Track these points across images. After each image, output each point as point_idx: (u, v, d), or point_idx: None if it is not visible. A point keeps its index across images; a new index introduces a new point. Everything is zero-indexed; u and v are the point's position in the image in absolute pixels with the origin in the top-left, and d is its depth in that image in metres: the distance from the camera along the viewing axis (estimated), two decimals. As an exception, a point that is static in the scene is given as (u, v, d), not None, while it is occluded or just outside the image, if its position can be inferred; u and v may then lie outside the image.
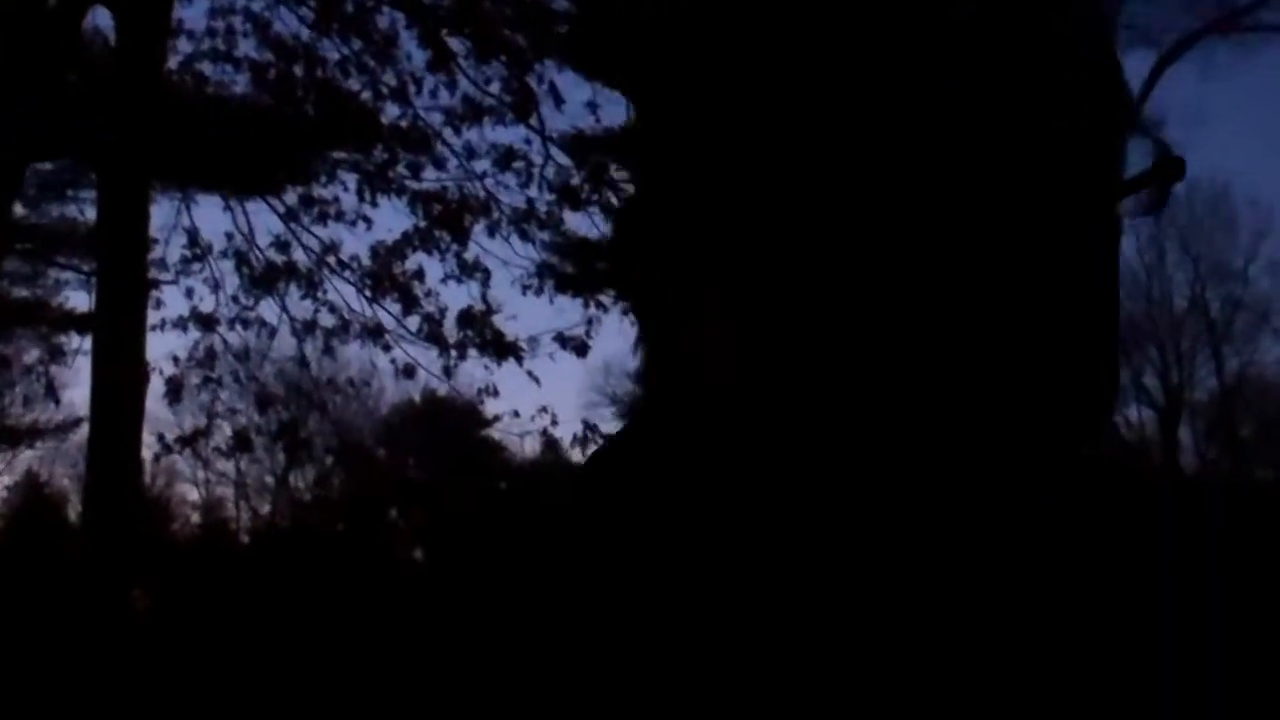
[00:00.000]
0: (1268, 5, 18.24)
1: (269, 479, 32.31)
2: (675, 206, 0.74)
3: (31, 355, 16.38)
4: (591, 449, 11.72)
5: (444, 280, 12.27)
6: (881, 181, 0.67)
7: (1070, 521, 0.73)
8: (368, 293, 12.31)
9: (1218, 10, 17.90)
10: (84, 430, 11.15)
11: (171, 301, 13.15)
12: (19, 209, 14.00)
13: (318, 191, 12.12)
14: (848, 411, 0.67)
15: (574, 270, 12.52)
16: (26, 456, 28.33)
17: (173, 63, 11.19)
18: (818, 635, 0.69)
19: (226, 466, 29.58)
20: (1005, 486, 0.69)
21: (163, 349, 30.43)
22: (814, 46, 0.68)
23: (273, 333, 12.46)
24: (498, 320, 12.31)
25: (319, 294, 12.29)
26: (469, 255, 12.14)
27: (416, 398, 28.82)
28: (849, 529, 0.69)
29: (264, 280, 12.14)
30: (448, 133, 11.72)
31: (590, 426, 12.43)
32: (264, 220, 12.92)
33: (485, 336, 12.20)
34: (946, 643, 0.68)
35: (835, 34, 0.68)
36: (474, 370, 12.60)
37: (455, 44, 11.35)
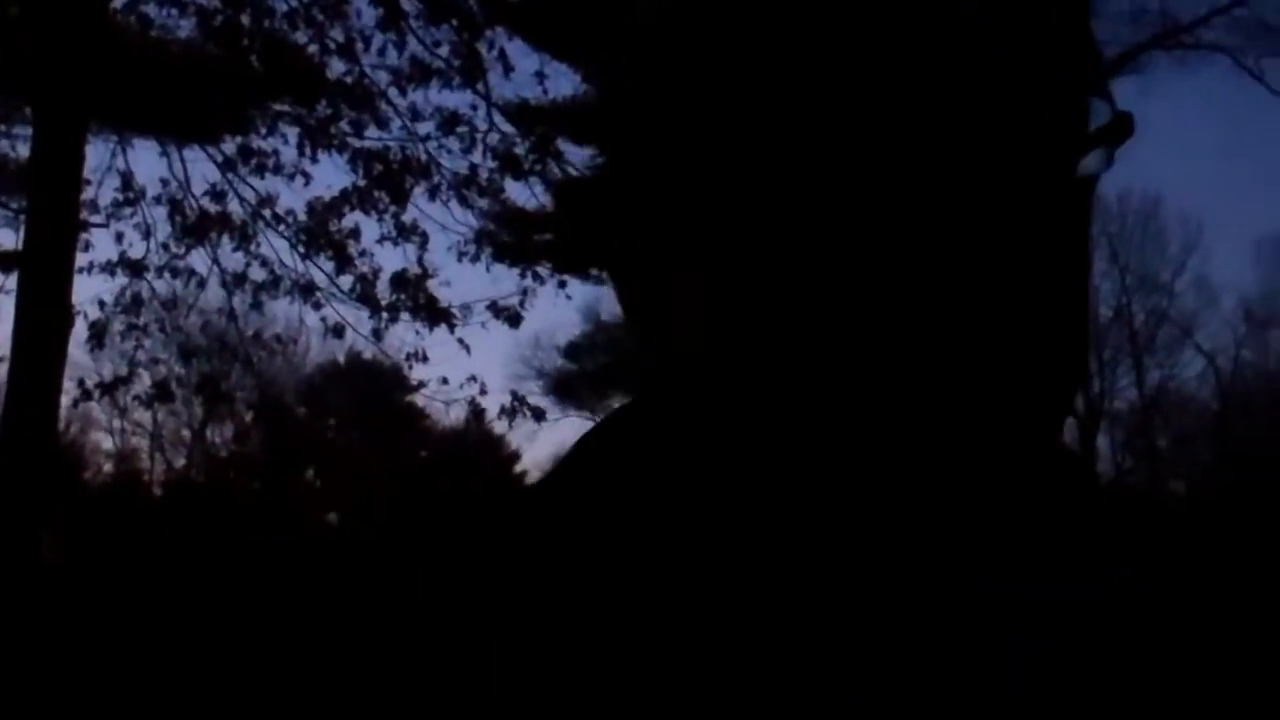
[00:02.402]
0: (1209, 24, 18.54)
1: (186, 432, 32.03)
2: (643, 181, 0.72)
3: (-48, 291, 16.07)
4: (518, 421, 11.69)
5: (380, 241, 12.24)
6: (840, 152, 0.65)
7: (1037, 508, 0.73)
8: (301, 249, 12.23)
9: (1161, 25, 18.16)
10: (2, 370, 10.98)
11: (101, 245, 13.02)
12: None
13: (257, 143, 12.03)
14: (816, 396, 0.66)
15: (512, 239, 12.49)
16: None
17: (118, 2, 11.06)
18: (786, 630, 0.68)
19: (143, 417, 29.32)
20: (971, 466, 0.68)
21: (89, 292, 30.03)
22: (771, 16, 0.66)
23: (202, 283, 12.33)
24: (432, 285, 12.28)
25: (252, 247, 12.20)
26: (407, 218, 12.12)
27: (341, 358, 28.70)
28: (818, 516, 0.68)
29: (196, 229, 12.00)
30: (393, 92, 11.67)
31: (519, 398, 12.42)
32: (201, 168, 12.77)
33: (418, 300, 12.15)
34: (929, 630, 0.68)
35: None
36: (404, 334, 12.56)
37: (406, 4, 11.28)
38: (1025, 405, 0.66)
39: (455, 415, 28.57)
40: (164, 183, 12.13)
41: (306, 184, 12.05)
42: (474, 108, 11.76)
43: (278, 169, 11.98)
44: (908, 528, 0.66)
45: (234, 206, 12.14)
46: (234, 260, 12.27)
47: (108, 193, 12.04)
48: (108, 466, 33.18)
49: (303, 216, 12.15)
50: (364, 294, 12.19)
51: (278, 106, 11.88)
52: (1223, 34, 18.91)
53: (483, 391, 12.43)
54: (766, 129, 0.65)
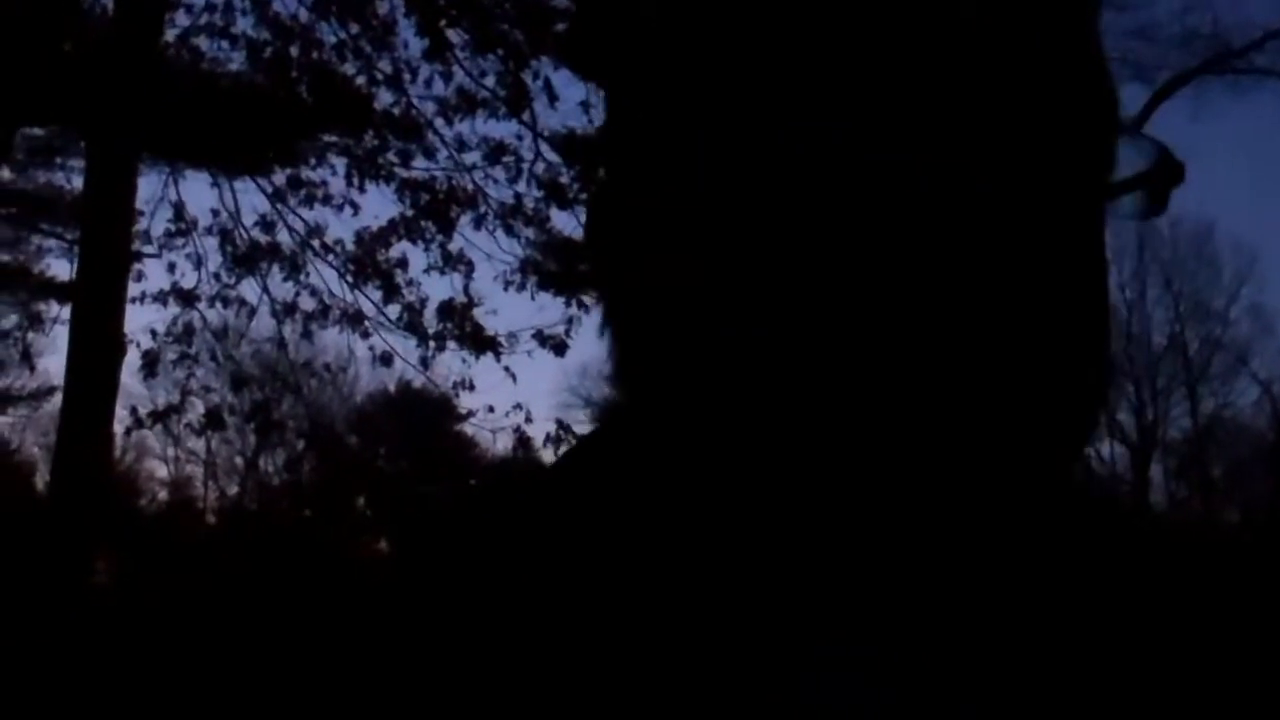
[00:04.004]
0: (1263, 48, 18.34)
1: (239, 460, 32.25)
2: (648, 202, 0.71)
3: (9, 321, 16.31)
4: (564, 449, 11.78)
5: (427, 270, 12.29)
6: (853, 177, 0.64)
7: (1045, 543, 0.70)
8: (350, 278, 12.31)
9: (1213, 49, 18.00)
10: (57, 399, 11.08)
11: (153, 275, 13.18)
12: (5, 173, 14.00)
13: (306, 173, 12.14)
14: (821, 415, 0.63)
15: (557, 268, 12.51)
16: (-1, 423, 28.23)
17: (169, 36, 11.20)
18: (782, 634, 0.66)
19: (197, 445, 29.54)
20: (979, 492, 0.65)
21: (141, 322, 30.27)
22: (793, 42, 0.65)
23: (252, 312, 12.42)
24: (478, 314, 12.32)
25: (301, 276, 12.29)
26: (453, 247, 12.16)
27: (391, 387, 28.80)
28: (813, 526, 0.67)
29: (247, 259, 12.12)
30: (439, 123, 11.74)
31: (564, 426, 12.39)
32: (251, 199, 12.94)
33: (465, 329, 12.18)
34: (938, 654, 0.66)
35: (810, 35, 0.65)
36: (451, 363, 12.61)
37: (453, 35, 11.36)
38: (1038, 433, 0.64)
39: (502, 444, 28.58)
40: (215, 213, 12.28)
41: (355, 214, 12.17)
42: (520, 138, 11.83)
43: (326, 199, 12.09)
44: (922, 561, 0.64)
45: (283, 237, 12.26)
46: (284, 290, 12.38)
47: (160, 223, 12.20)
48: (163, 494, 33.48)
49: (351, 246, 12.25)
50: (411, 323, 12.25)
51: (326, 137, 12.00)
52: (1277, 58, 18.69)
53: (528, 419, 12.45)
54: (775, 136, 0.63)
